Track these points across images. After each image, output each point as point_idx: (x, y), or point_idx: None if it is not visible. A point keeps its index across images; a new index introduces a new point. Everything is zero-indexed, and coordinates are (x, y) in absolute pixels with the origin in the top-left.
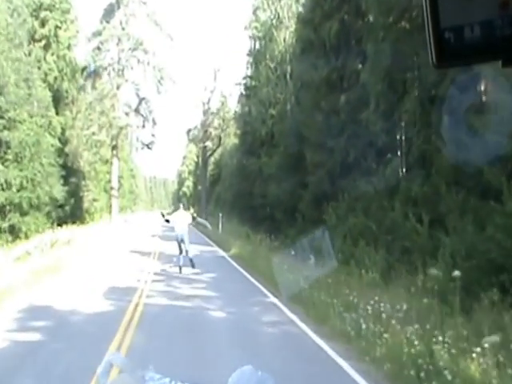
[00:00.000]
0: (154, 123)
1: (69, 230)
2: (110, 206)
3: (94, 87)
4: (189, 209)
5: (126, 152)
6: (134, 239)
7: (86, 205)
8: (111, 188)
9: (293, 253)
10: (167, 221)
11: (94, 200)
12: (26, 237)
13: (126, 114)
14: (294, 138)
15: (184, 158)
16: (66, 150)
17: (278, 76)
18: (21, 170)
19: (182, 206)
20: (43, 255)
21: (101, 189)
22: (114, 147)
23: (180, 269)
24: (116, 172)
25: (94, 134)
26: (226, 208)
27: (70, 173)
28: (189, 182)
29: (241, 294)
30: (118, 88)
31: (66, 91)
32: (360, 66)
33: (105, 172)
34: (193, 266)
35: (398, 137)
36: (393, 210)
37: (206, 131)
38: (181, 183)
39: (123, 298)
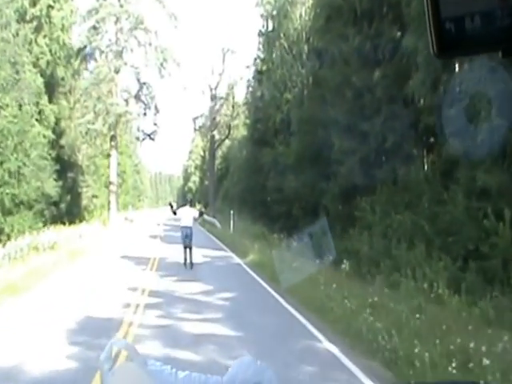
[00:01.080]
0: (157, 111)
1: (56, 232)
2: (109, 202)
3: (90, 71)
4: (195, 205)
5: (128, 145)
6: (132, 241)
7: (84, 202)
8: (110, 183)
9: (345, 265)
10: (174, 213)
11: (94, 196)
12: (9, 239)
13: (126, 100)
14: (315, 123)
15: (190, 152)
16: (62, 142)
17: (294, 56)
18: (2, 163)
19: (188, 200)
20: (14, 265)
21: (101, 185)
22: (113, 137)
23: (185, 263)
24: (115, 165)
25: (89, 122)
26: (235, 204)
27: (66, 167)
28: (195, 178)
29: (275, 333)
30: (116, 72)
31: (62, 79)
32: (399, 33)
33: (106, 167)
34: (191, 267)
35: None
36: (453, 204)
37: (214, 118)
38: (186, 178)
39: (98, 342)
